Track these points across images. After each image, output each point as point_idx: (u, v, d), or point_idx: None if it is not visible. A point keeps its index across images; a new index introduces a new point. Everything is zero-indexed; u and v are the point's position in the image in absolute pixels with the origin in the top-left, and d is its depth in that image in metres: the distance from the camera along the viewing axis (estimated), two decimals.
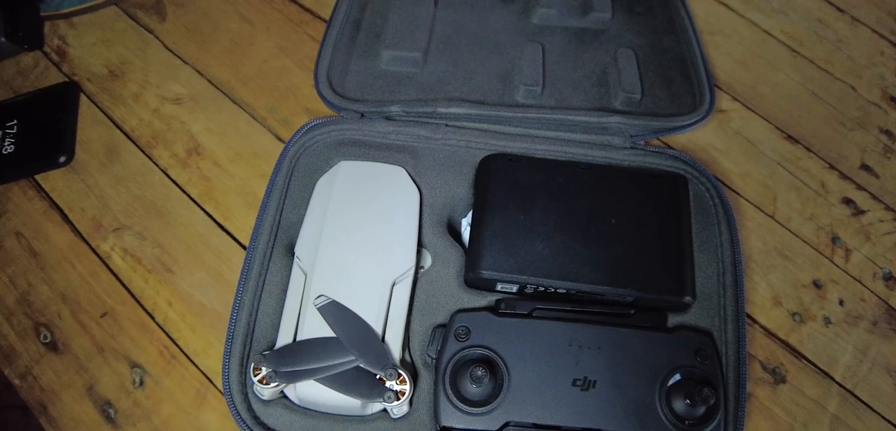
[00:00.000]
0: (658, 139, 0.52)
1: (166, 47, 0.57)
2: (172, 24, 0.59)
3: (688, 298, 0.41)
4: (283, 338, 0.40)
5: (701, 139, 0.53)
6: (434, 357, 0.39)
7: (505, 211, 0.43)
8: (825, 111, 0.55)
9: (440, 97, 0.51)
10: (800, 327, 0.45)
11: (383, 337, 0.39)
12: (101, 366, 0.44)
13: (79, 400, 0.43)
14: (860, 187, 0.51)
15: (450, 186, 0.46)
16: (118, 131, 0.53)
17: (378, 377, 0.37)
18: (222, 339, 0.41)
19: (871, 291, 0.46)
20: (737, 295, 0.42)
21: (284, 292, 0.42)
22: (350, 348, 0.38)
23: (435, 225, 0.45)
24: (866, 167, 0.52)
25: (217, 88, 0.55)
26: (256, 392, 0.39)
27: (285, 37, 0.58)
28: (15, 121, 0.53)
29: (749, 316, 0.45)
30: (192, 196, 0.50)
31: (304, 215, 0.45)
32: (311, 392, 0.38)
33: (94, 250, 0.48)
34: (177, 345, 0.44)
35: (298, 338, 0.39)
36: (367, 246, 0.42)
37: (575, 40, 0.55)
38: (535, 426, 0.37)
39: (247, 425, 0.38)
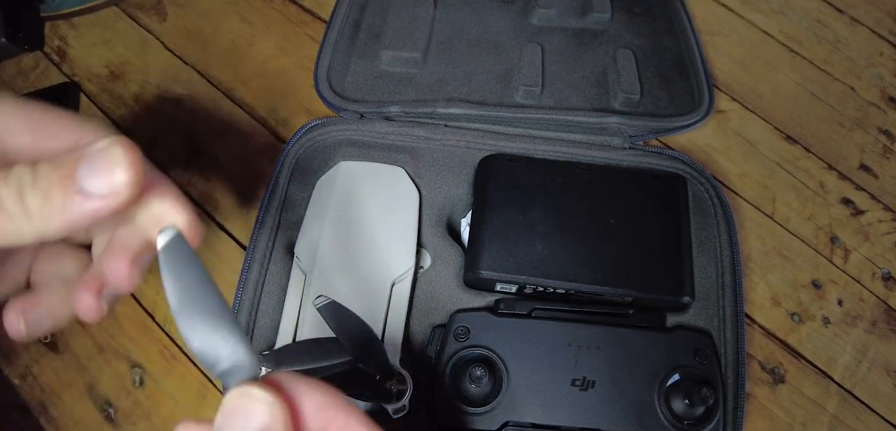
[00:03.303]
0: (657, 139, 0.52)
1: (166, 48, 0.57)
2: (172, 24, 0.59)
3: (687, 298, 0.41)
4: (283, 338, 0.40)
5: (700, 139, 0.53)
6: (433, 357, 0.39)
7: (504, 211, 0.43)
8: (824, 111, 0.55)
9: (440, 97, 0.51)
10: (799, 327, 0.45)
11: (383, 337, 0.39)
12: (101, 366, 0.44)
13: (79, 400, 0.43)
14: (859, 187, 0.51)
15: (449, 186, 0.47)
16: (118, 131, 0.53)
17: (377, 377, 0.37)
18: None
19: (870, 291, 0.47)
20: (736, 295, 0.42)
21: (284, 292, 0.42)
22: (349, 348, 0.38)
23: (434, 226, 0.45)
24: (865, 167, 0.52)
25: (217, 88, 0.55)
26: None
27: (285, 37, 0.58)
28: None
29: (748, 316, 0.45)
30: (193, 196, 0.50)
31: (303, 215, 0.45)
32: None
33: None
34: (177, 345, 0.44)
35: (298, 338, 0.39)
36: (366, 246, 0.42)
37: (574, 41, 0.55)
38: (535, 425, 0.37)
39: None
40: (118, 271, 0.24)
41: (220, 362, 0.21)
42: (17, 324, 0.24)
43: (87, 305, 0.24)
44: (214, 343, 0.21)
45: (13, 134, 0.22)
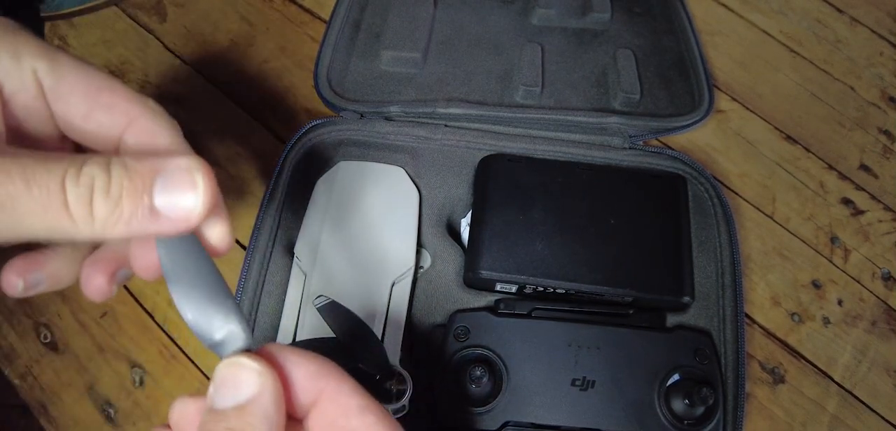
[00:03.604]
0: (657, 139, 0.52)
1: (166, 47, 0.57)
2: (172, 24, 0.59)
3: (687, 298, 0.41)
4: (283, 338, 0.40)
5: (700, 139, 0.53)
6: (433, 357, 0.39)
7: (504, 211, 0.43)
8: (824, 111, 0.55)
9: (439, 97, 0.51)
10: (799, 327, 0.45)
11: (383, 337, 0.39)
12: (101, 366, 0.44)
13: (79, 400, 0.43)
14: (859, 187, 0.51)
15: (449, 186, 0.47)
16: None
17: (377, 377, 0.37)
18: None
19: (870, 291, 0.47)
20: (736, 295, 0.42)
21: (284, 292, 0.42)
22: (349, 348, 0.38)
23: (434, 226, 0.45)
24: (865, 167, 0.52)
25: (217, 88, 0.55)
26: None
27: (285, 37, 0.58)
28: None
29: (748, 316, 0.45)
30: None
31: (303, 215, 0.45)
32: None
33: None
34: (176, 345, 0.44)
35: (298, 338, 0.39)
36: (366, 246, 0.42)
37: (574, 41, 0.55)
38: (534, 425, 0.37)
39: None
40: (150, 263, 0.23)
41: (213, 333, 0.21)
42: (16, 286, 0.23)
43: (98, 286, 0.24)
44: (207, 314, 0.21)
45: (70, 97, 0.21)
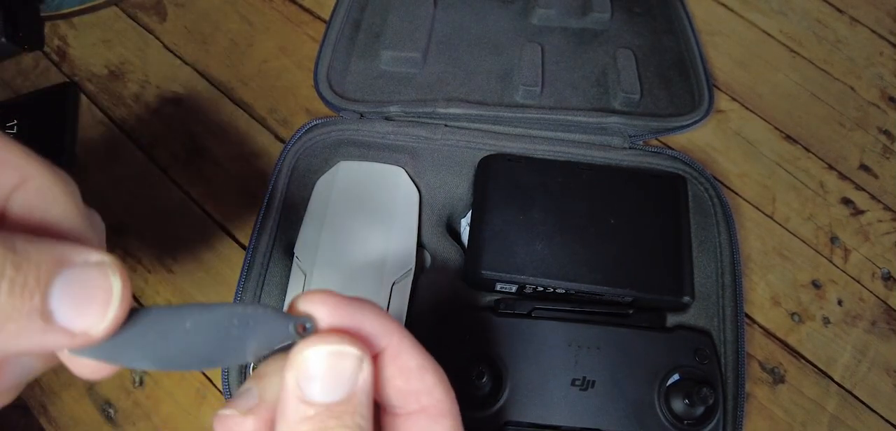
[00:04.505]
0: (657, 139, 0.52)
1: (166, 47, 0.57)
2: (172, 24, 0.59)
3: (687, 298, 0.41)
4: None
5: (700, 139, 0.53)
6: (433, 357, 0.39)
7: (504, 211, 0.43)
8: (824, 111, 0.55)
9: (439, 97, 0.51)
10: (799, 327, 0.45)
11: None
12: None
13: (79, 400, 0.43)
14: (859, 187, 0.51)
15: (449, 186, 0.47)
16: (118, 131, 0.53)
17: None
18: None
19: (870, 291, 0.47)
20: (736, 294, 0.42)
21: (284, 292, 0.42)
22: None
23: (434, 226, 0.45)
24: (865, 167, 0.52)
25: (217, 88, 0.55)
26: None
27: (285, 37, 0.58)
28: (15, 122, 0.53)
29: (748, 316, 0.45)
30: (193, 196, 0.50)
31: (303, 215, 0.45)
32: None
33: None
34: None
35: None
36: (366, 246, 0.42)
37: (574, 41, 0.55)
38: (534, 425, 0.37)
39: None
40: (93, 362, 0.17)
41: (242, 342, 0.17)
42: None
43: None
44: (214, 339, 0.17)
45: None
